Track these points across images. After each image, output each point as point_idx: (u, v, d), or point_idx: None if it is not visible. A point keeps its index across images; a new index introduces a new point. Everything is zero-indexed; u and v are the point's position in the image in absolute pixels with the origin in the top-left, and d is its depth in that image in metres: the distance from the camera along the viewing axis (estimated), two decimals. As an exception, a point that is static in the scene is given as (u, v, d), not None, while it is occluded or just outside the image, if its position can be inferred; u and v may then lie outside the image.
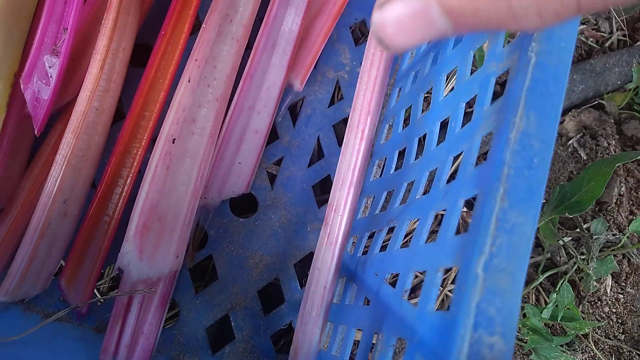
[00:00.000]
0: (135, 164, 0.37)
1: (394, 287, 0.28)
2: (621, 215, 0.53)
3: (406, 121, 0.41)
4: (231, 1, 0.39)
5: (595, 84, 0.57)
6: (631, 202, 0.54)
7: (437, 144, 0.32)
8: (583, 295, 0.52)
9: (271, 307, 0.42)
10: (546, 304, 0.50)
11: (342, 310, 0.37)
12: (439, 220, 0.51)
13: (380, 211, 0.38)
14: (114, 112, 0.39)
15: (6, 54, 0.36)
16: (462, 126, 0.29)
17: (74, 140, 0.35)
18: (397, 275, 0.36)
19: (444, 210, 0.26)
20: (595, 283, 0.50)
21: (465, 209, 0.51)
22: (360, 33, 0.52)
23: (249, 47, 0.42)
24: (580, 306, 0.51)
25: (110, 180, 0.36)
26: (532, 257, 0.51)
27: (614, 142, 0.55)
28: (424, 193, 0.31)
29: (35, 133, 0.36)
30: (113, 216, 0.37)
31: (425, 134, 0.34)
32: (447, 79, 0.35)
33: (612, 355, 0.51)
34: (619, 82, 0.58)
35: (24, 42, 0.38)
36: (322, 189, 0.48)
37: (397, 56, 0.45)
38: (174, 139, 0.36)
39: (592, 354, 0.50)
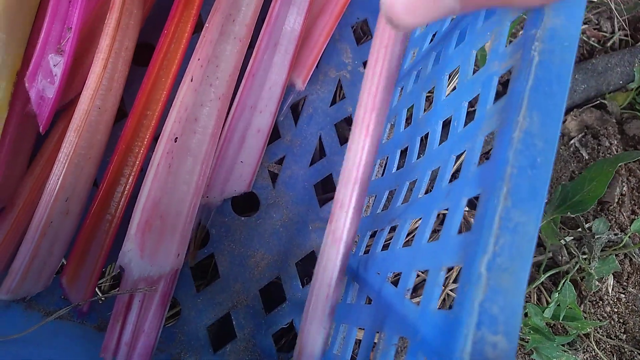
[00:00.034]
0: (138, 162, 0.37)
1: (396, 286, 0.28)
2: (623, 215, 0.53)
3: (408, 120, 0.41)
4: (234, 1, 0.39)
5: (597, 84, 0.57)
6: (633, 202, 0.54)
7: (440, 143, 0.32)
8: (585, 295, 0.52)
9: (272, 306, 0.42)
10: (548, 303, 0.50)
11: (344, 309, 0.37)
12: (440, 219, 0.51)
13: (382, 210, 0.38)
14: (117, 111, 0.39)
15: (8, 53, 0.36)
16: (465, 125, 0.29)
17: (76, 138, 0.35)
18: (399, 274, 0.35)
19: (447, 209, 0.26)
20: (597, 282, 0.50)
21: (467, 209, 0.51)
22: (362, 32, 0.52)
23: (251, 46, 0.42)
24: (582, 306, 0.51)
25: (112, 178, 0.36)
26: (533, 257, 0.51)
27: (615, 142, 0.55)
28: (426, 192, 0.31)
29: (41, 131, 0.36)
30: (115, 215, 0.37)
31: (427, 133, 0.34)
32: (449, 78, 0.35)
33: (613, 355, 0.51)
34: (620, 82, 0.58)
35: (26, 41, 0.38)
36: (324, 188, 0.48)
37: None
38: (176, 138, 0.36)
39: (594, 353, 0.50)
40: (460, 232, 0.23)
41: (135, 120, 0.37)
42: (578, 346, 0.50)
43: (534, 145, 0.20)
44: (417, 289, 0.49)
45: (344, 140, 0.46)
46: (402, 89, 0.45)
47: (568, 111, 0.57)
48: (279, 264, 0.43)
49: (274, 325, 0.42)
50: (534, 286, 0.50)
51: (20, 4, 0.36)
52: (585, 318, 0.50)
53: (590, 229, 0.52)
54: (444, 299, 0.50)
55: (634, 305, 0.52)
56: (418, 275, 0.49)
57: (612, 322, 0.51)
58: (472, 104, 0.51)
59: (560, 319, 0.47)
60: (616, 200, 0.54)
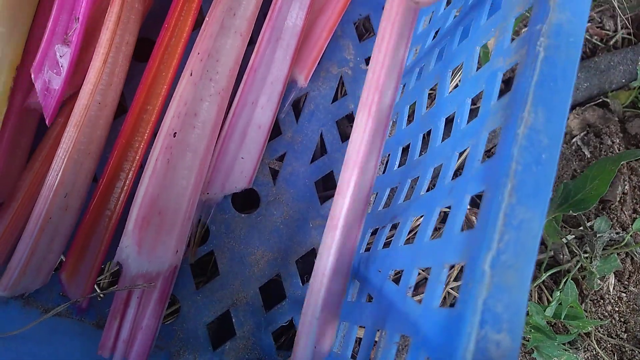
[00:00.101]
0: (137, 157, 0.37)
1: (398, 283, 0.28)
2: (625, 214, 0.53)
3: (410, 117, 0.40)
4: (235, -5, 0.39)
5: (599, 82, 0.57)
6: (635, 201, 0.54)
7: (442, 140, 0.32)
8: (586, 294, 0.51)
9: (272, 304, 0.42)
10: (549, 302, 0.50)
11: (345, 307, 0.36)
12: (441, 217, 0.51)
13: (384, 207, 0.38)
14: (117, 106, 0.39)
15: (8, 47, 0.36)
16: (468, 122, 0.28)
17: (75, 134, 0.35)
18: (400, 272, 0.35)
19: (449, 206, 0.25)
20: (598, 281, 0.50)
21: (468, 207, 0.51)
22: (364, 29, 0.51)
23: (252, 41, 0.41)
24: (583, 304, 0.51)
25: (111, 174, 0.36)
26: (534, 256, 0.51)
27: (618, 141, 0.55)
28: (429, 190, 0.30)
29: (47, 123, 0.36)
30: (114, 210, 0.37)
31: (429, 130, 0.34)
32: (452, 75, 0.35)
33: (614, 354, 0.50)
34: (623, 80, 0.58)
35: (26, 36, 0.38)
36: (325, 186, 0.48)
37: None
38: (175, 133, 0.36)
39: (595, 352, 0.50)
40: (462, 230, 0.23)
41: (135, 115, 0.37)
42: (579, 345, 0.50)
43: (539, 141, 0.20)
44: (418, 287, 0.49)
45: (345, 137, 0.46)
46: (404, 86, 0.45)
47: (570, 109, 0.57)
48: (279, 262, 0.43)
49: (274, 323, 0.42)
50: (535, 285, 0.50)
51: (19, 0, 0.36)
52: (586, 317, 0.49)
53: (591, 227, 0.51)
54: (445, 297, 0.50)
55: (635, 304, 0.52)
56: (419, 273, 0.49)
57: (613, 321, 0.51)
58: (474, 101, 0.51)
59: (562, 317, 0.47)
60: (618, 198, 0.53)
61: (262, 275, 0.43)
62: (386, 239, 0.35)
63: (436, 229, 0.50)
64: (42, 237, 0.35)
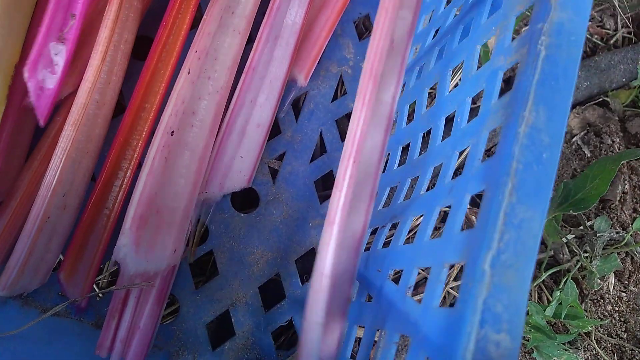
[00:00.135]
0: (135, 156, 0.37)
1: (397, 283, 0.28)
2: (625, 213, 0.53)
3: (410, 117, 0.40)
4: (233, -7, 0.39)
5: (599, 81, 0.57)
6: (635, 200, 0.54)
7: (442, 140, 0.32)
8: (586, 293, 0.51)
9: (272, 304, 0.42)
10: (549, 302, 0.50)
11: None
12: (441, 217, 0.51)
13: (383, 207, 0.38)
14: (115, 105, 0.39)
15: (6, 45, 0.36)
16: (468, 121, 0.28)
17: (74, 132, 0.35)
18: (400, 271, 0.35)
19: (449, 206, 0.25)
20: (598, 281, 0.50)
21: (468, 206, 0.51)
22: (364, 28, 0.51)
23: (250, 40, 0.41)
24: (583, 304, 0.51)
25: (110, 172, 0.36)
26: (534, 255, 0.51)
27: (618, 140, 0.55)
28: (428, 189, 0.30)
29: (41, 124, 0.35)
30: (113, 209, 0.36)
31: (429, 130, 0.34)
32: (452, 73, 0.35)
33: (614, 354, 0.50)
34: (623, 80, 0.57)
35: (24, 34, 0.37)
36: (324, 185, 0.48)
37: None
38: (173, 131, 0.35)
39: (595, 352, 0.50)
40: (462, 229, 0.23)
41: (133, 113, 0.36)
42: (579, 345, 0.50)
43: (540, 140, 0.20)
44: (417, 287, 0.49)
45: (345, 136, 0.46)
46: (404, 85, 0.45)
47: (571, 108, 0.57)
48: (278, 261, 0.43)
49: (273, 322, 0.42)
50: (535, 284, 0.50)
51: (18, -3, 0.36)
52: (586, 317, 0.49)
53: (592, 227, 0.51)
54: (444, 297, 0.50)
55: (635, 304, 0.52)
56: (419, 273, 0.49)
57: (613, 321, 0.51)
58: (474, 100, 0.51)
59: (562, 317, 0.47)
60: (618, 198, 0.53)
61: (262, 275, 0.42)
62: (386, 239, 0.35)
63: (436, 229, 0.50)
64: (41, 236, 0.34)
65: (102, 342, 0.35)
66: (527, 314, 0.47)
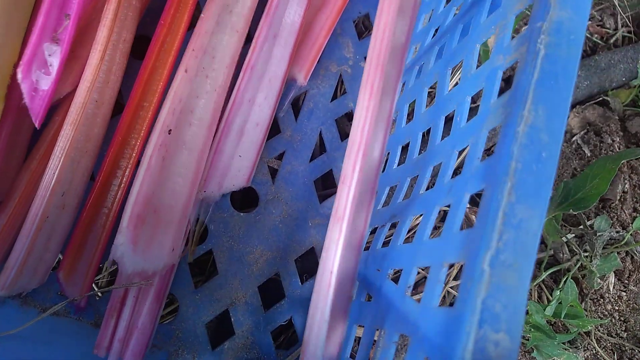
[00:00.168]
0: (134, 155, 0.37)
1: (397, 283, 0.28)
2: (625, 213, 0.53)
3: (409, 116, 0.40)
4: (232, -9, 0.39)
5: (599, 81, 0.57)
6: (635, 200, 0.54)
7: (442, 139, 0.32)
8: (586, 293, 0.51)
9: (271, 303, 0.42)
10: (549, 301, 0.50)
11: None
12: (441, 216, 0.51)
13: (383, 206, 0.38)
14: (114, 104, 0.38)
15: (5, 45, 0.36)
16: (468, 120, 0.28)
17: (72, 132, 0.35)
18: (399, 271, 0.35)
19: (448, 205, 0.25)
20: (598, 280, 0.50)
21: (468, 205, 0.51)
22: (363, 27, 0.51)
23: (249, 39, 0.41)
24: (583, 303, 0.51)
25: (108, 171, 0.36)
26: (534, 255, 0.51)
27: (618, 139, 0.55)
28: (428, 188, 0.30)
29: (36, 126, 0.35)
30: (111, 208, 0.36)
31: (429, 129, 0.34)
32: (451, 73, 0.35)
33: (614, 353, 0.50)
34: (623, 79, 0.57)
35: (23, 33, 0.37)
36: (324, 184, 0.48)
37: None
38: (170, 130, 0.35)
39: (595, 351, 0.50)
40: (461, 228, 0.23)
41: (132, 112, 0.36)
42: (579, 344, 0.50)
43: (539, 139, 0.20)
44: (417, 287, 0.49)
45: (344, 135, 0.46)
46: (403, 84, 0.44)
47: (570, 108, 0.57)
48: (278, 261, 0.43)
49: (273, 322, 0.42)
50: (535, 284, 0.50)
51: (17, -5, 0.36)
52: (586, 316, 0.49)
53: (591, 226, 0.51)
54: (444, 297, 0.50)
55: (635, 303, 0.52)
56: (419, 272, 0.49)
57: (613, 320, 0.51)
58: (473, 99, 0.51)
59: (562, 316, 0.47)
60: (618, 197, 0.53)
61: (261, 275, 0.42)
62: (385, 238, 0.35)
63: (436, 228, 0.50)
64: (39, 236, 0.34)
65: (100, 342, 0.35)
66: (527, 313, 0.47)
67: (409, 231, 0.46)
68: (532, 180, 0.19)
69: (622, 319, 0.51)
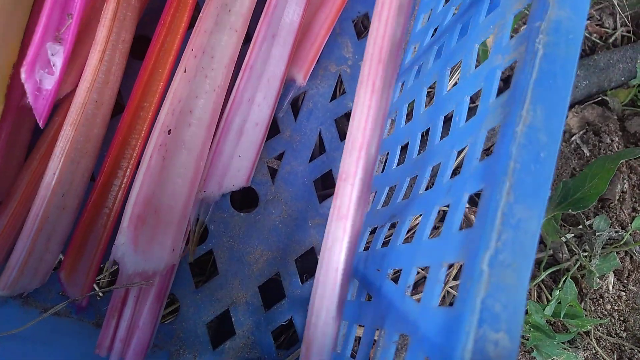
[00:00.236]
0: (135, 155, 0.37)
1: (396, 282, 0.28)
2: (624, 213, 0.53)
3: (408, 116, 0.40)
4: (230, -9, 0.39)
5: (598, 80, 0.57)
6: (634, 199, 0.54)
7: (441, 139, 0.32)
8: (585, 293, 0.51)
9: (272, 303, 0.42)
10: (548, 301, 0.50)
11: (344, 306, 0.36)
12: (440, 216, 0.51)
13: (382, 206, 0.38)
14: (114, 104, 0.39)
15: (4, 45, 0.36)
16: (467, 120, 0.28)
17: (72, 132, 0.35)
18: (399, 271, 0.35)
19: (448, 205, 0.25)
20: (597, 280, 0.50)
21: (467, 205, 0.51)
22: (362, 27, 0.51)
23: (248, 39, 0.41)
24: (583, 303, 0.51)
25: (109, 171, 0.36)
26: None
27: (617, 139, 0.55)
28: (427, 188, 0.30)
29: (40, 125, 0.36)
30: (112, 209, 0.36)
31: (428, 129, 0.34)
32: (450, 72, 0.35)
33: (613, 353, 0.50)
34: (622, 79, 0.57)
35: (22, 33, 0.37)
36: (324, 184, 0.48)
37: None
38: (170, 130, 0.35)
39: (594, 351, 0.50)
40: (460, 228, 0.23)
41: (132, 112, 0.36)
42: (578, 344, 0.50)
43: (537, 139, 0.20)
44: (417, 287, 0.49)
45: (344, 136, 0.46)
46: (402, 84, 0.45)
47: (569, 107, 0.57)
48: (278, 261, 0.43)
49: (274, 322, 0.42)
50: (534, 283, 0.50)
51: (16, -4, 0.36)
52: (585, 316, 0.49)
53: (591, 226, 0.51)
54: (444, 297, 0.50)
55: (635, 303, 0.52)
56: (418, 272, 0.49)
57: (613, 320, 0.51)
58: (472, 99, 0.51)
59: (561, 316, 0.47)
60: (617, 197, 0.53)
61: (261, 275, 0.42)
62: (385, 238, 0.35)
63: (435, 228, 0.50)
64: (40, 236, 0.34)
65: (101, 342, 0.35)
66: (527, 313, 0.47)
67: (408, 231, 0.46)
68: (530, 180, 0.19)
69: (621, 318, 0.51)
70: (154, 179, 0.35)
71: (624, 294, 0.52)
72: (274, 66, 0.41)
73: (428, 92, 0.40)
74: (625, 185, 0.54)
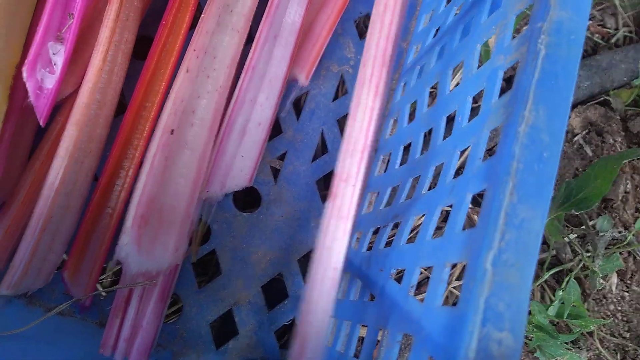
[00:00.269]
0: (137, 155, 0.37)
1: (399, 282, 0.28)
2: (627, 213, 0.53)
3: (411, 116, 0.40)
4: (232, -9, 0.39)
5: (601, 80, 0.57)
6: (637, 200, 0.54)
7: (443, 139, 0.32)
8: (588, 293, 0.51)
9: (275, 303, 0.42)
10: (551, 301, 0.50)
11: (347, 306, 0.36)
12: (443, 216, 0.51)
13: (385, 207, 0.38)
14: (117, 104, 0.39)
15: (7, 46, 0.36)
16: (469, 121, 0.28)
17: (76, 132, 0.35)
18: (402, 271, 0.35)
19: (450, 205, 0.25)
20: (600, 281, 0.50)
21: (470, 205, 0.51)
22: (364, 27, 0.51)
23: (250, 39, 0.41)
24: (586, 304, 0.51)
25: (112, 172, 0.36)
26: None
27: (619, 139, 0.55)
28: (430, 188, 0.30)
29: (41, 124, 0.36)
30: (115, 209, 0.37)
31: (431, 129, 0.34)
32: (453, 73, 0.35)
33: (617, 353, 0.50)
34: (625, 79, 0.57)
35: (25, 33, 0.38)
36: (326, 185, 0.48)
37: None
38: (172, 130, 0.36)
39: (597, 352, 0.50)
40: (464, 228, 0.23)
41: (134, 112, 0.37)
42: (581, 344, 0.50)
43: (540, 139, 0.20)
44: (420, 287, 0.49)
45: (346, 136, 0.46)
46: (405, 84, 0.45)
47: (572, 108, 0.57)
48: (280, 261, 0.43)
49: (277, 322, 0.42)
50: (537, 284, 0.50)
51: (19, -4, 0.36)
52: (588, 316, 0.49)
53: (594, 226, 0.51)
54: (447, 297, 0.50)
55: (638, 303, 0.52)
56: (421, 273, 0.49)
57: (616, 321, 0.51)
58: (475, 99, 0.51)
59: (564, 317, 0.47)
60: (620, 197, 0.53)
61: (264, 274, 0.43)
62: (388, 238, 0.35)
63: (438, 228, 0.50)
64: (44, 236, 0.35)
65: (105, 341, 0.35)
66: (530, 313, 0.47)
67: (411, 231, 0.47)
68: (533, 181, 0.19)
69: (624, 319, 0.51)
70: (157, 179, 0.35)
71: (627, 294, 0.52)
72: (276, 66, 0.41)
73: (430, 92, 0.40)
74: (628, 186, 0.54)
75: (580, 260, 0.50)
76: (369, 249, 0.37)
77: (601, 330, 0.51)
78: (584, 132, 0.56)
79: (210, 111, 0.38)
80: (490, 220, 0.19)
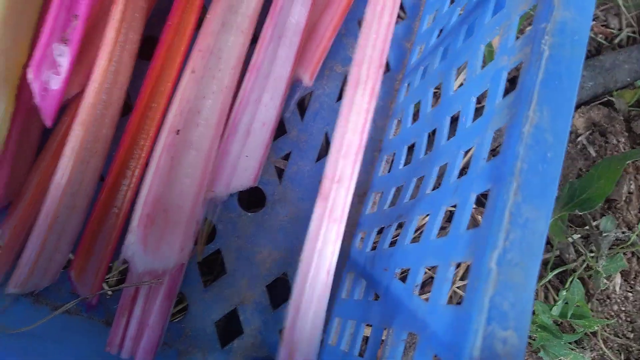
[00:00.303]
0: (143, 155, 0.37)
1: (404, 282, 0.28)
2: (630, 213, 0.53)
3: (415, 116, 0.40)
4: (236, -8, 0.39)
5: (604, 81, 0.57)
6: (641, 200, 0.54)
7: (447, 139, 0.32)
8: (592, 293, 0.51)
9: (279, 302, 0.42)
10: (555, 301, 0.50)
11: (351, 306, 0.37)
12: (447, 216, 0.51)
13: (389, 207, 0.38)
14: (122, 104, 0.39)
15: (14, 47, 0.36)
16: (473, 121, 0.28)
17: (82, 132, 0.35)
18: (406, 270, 0.35)
19: (454, 205, 0.25)
20: (604, 281, 0.50)
21: (474, 206, 0.51)
22: (368, 28, 0.51)
23: (255, 40, 0.41)
24: (589, 304, 0.51)
25: (118, 172, 0.37)
26: (540, 254, 0.51)
27: (623, 140, 0.55)
28: (434, 188, 0.31)
29: (47, 125, 0.36)
30: (121, 208, 0.37)
31: (434, 129, 0.34)
32: (457, 73, 0.35)
33: (620, 354, 0.50)
34: (628, 79, 0.57)
35: (31, 35, 0.38)
36: (330, 185, 0.48)
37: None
38: (178, 130, 0.36)
39: (601, 352, 0.50)
40: (468, 228, 0.23)
41: (140, 112, 0.37)
42: (585, 344, 0.50)
43: (544, 140, 0.20)
44: (424, 287, 0.49)
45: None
46: (408, 84, 0.45)
47: (575, 108, 0.57)
48: (285, 260, 0.43)
49: (281, 321, 0.42)
50: (541, 284, 0.50)
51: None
52: (592, 316, 0.49)
53: (597, 226, 0.51)
54: (451, 297, 0.50)
55: (642, 303, 0.52)
56: (425, 272, 0.49)
57: (620, 321, 0.51)
58: (479, 100, 0.51)
59: (568, 317, 0.47)
60: (624, 198, 0.53)
61: (269, 274, 0.43)
62: (392, 238, 0.36)
63: (442, 228, 0.50)
64: (50, 235, 0.35)
65: (112, 339, 0.35)
66: (534, 313, 0.47)
67: (415, 231, 0.47)
68: (537, 181, 0.19)
69: (628, 319, 0.51)
70: (163, 179, 0.35)
71: (630, 294, 0.52)
72: (281, 67, 0.41)
73: (434, 93, 0.40)
74: (632, 186, 0.54)
75: (584, 261, 0.50)
76: (373, 248, 0.37)
77: (605, 331, 0.51)
78: (588, 133, 0.56)
79: (215, 111, 0.38)
80: (495, 219, 0.19)
